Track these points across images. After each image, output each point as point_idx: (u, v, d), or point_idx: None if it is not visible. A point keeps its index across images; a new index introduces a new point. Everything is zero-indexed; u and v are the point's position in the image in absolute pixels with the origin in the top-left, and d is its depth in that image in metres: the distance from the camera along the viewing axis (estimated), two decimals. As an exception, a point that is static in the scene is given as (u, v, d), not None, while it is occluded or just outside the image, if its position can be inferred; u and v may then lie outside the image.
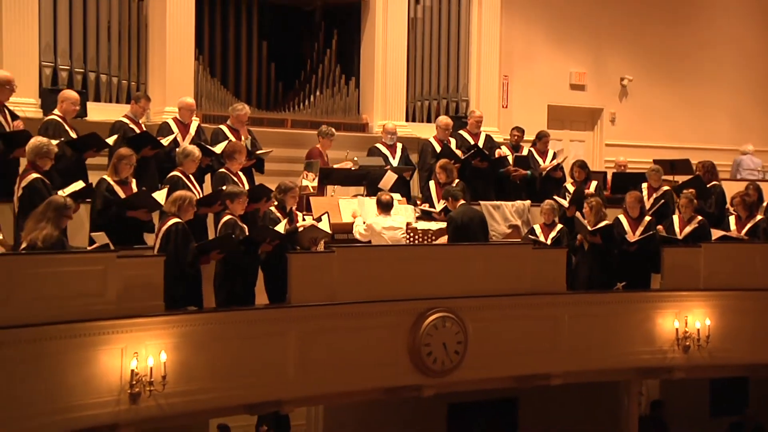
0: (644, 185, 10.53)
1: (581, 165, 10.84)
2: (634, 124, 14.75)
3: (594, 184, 10.79)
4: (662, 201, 10.41)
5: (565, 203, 10.15)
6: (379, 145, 10.88)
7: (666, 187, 10.63)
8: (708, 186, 10.85)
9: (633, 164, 12.94)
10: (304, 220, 8.67)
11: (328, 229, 8.33)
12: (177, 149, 8.83)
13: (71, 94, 8.85)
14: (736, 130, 15.15)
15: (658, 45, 14.98)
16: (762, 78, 15.88)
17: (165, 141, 9.11)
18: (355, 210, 9.28)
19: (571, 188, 10.53)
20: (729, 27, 15.58)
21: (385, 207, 8.77)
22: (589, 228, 9.15)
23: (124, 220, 7.83)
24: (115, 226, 7.71)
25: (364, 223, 8.85)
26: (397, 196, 9.74)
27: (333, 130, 10.64)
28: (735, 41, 15.61)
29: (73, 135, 8.56)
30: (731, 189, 11.14)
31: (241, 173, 8.90)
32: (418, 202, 10.27)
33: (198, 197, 7.99)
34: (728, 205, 10.66)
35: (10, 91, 8.37)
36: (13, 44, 9.85)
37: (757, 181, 12.44)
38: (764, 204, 10.62)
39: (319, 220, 8.37)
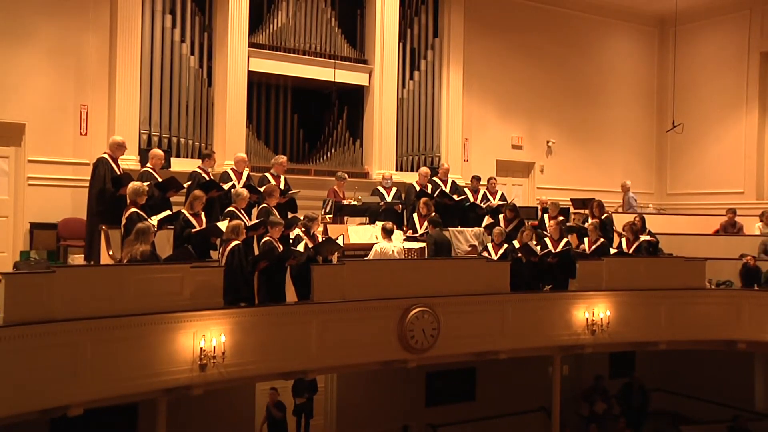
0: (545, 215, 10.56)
1: (512, 208, 10.60)
2: (557, 174, 14.79)
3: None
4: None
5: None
6: (379, 188, 10.94)
7: (561, 217, 10.43)
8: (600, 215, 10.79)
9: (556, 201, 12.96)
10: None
11: (341, 244, 8.39)
12: (232, 191, 8.89)
13: (157, 152, 8.95)
14: (626, 178, 15.14)
15: (573, 119, 15.09)
16: (642, 144, 16.03)
17: (226, 186, 9.14)
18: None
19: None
20: (622, 109, 15.76)
21: (388, 232, 8.77)
22: (538, 252, 9.25)
23: (198, 242, 7.87)
24: (192, 246, 7.76)
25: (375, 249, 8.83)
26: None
27: (346, 174, 10.73)
28: (626, 119, 15.78)
29: (160, 180, 8.62)
30: (623, 219, 11.21)
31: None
32: (405, 228, 10.33)
33: (246, 225, 8.02)
34: (621, 230, 10.68)
35: (123, 149, 8.54)
36: (123, 118, 10.09)
37: (640, 213, 12.48)
38: (647, 230, 10.69)
39: (336, 239, 8.44)
